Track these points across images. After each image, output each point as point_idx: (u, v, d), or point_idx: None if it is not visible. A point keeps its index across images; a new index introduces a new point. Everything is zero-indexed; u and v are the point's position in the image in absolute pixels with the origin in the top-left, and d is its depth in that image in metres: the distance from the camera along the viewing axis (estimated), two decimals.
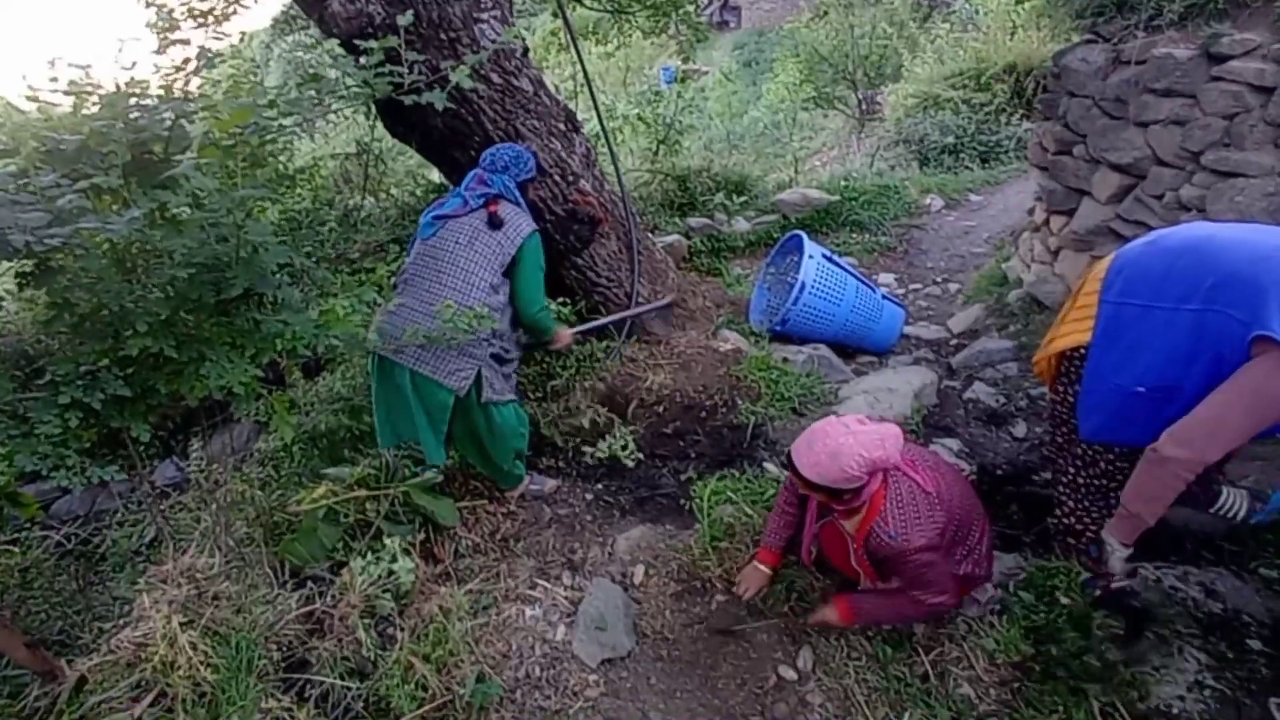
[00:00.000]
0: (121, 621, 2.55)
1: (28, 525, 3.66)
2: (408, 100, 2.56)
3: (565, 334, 3.84)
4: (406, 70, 2.57)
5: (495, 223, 3.23)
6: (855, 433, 2.39)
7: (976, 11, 13.09)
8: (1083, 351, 2.55)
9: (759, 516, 3.21)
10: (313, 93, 2.44)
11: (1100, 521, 2.75)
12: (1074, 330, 2.57)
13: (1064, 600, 2.69)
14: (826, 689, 2.71)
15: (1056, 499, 2.93)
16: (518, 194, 3.40)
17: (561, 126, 4.34)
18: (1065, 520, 2.87)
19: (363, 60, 2.50)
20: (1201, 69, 3.69)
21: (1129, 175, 4.17)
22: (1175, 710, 2.43)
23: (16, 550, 3.41)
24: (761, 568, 2.89)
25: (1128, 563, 2.45)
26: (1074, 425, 2.68)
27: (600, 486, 3.91)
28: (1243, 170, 3.46)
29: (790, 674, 2.77)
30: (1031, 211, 5.48)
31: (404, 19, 2.65)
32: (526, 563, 3.31)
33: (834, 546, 2.75)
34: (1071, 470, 2.78)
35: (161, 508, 3.53)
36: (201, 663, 2.33)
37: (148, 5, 2.67)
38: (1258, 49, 3.49)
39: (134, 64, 2.26)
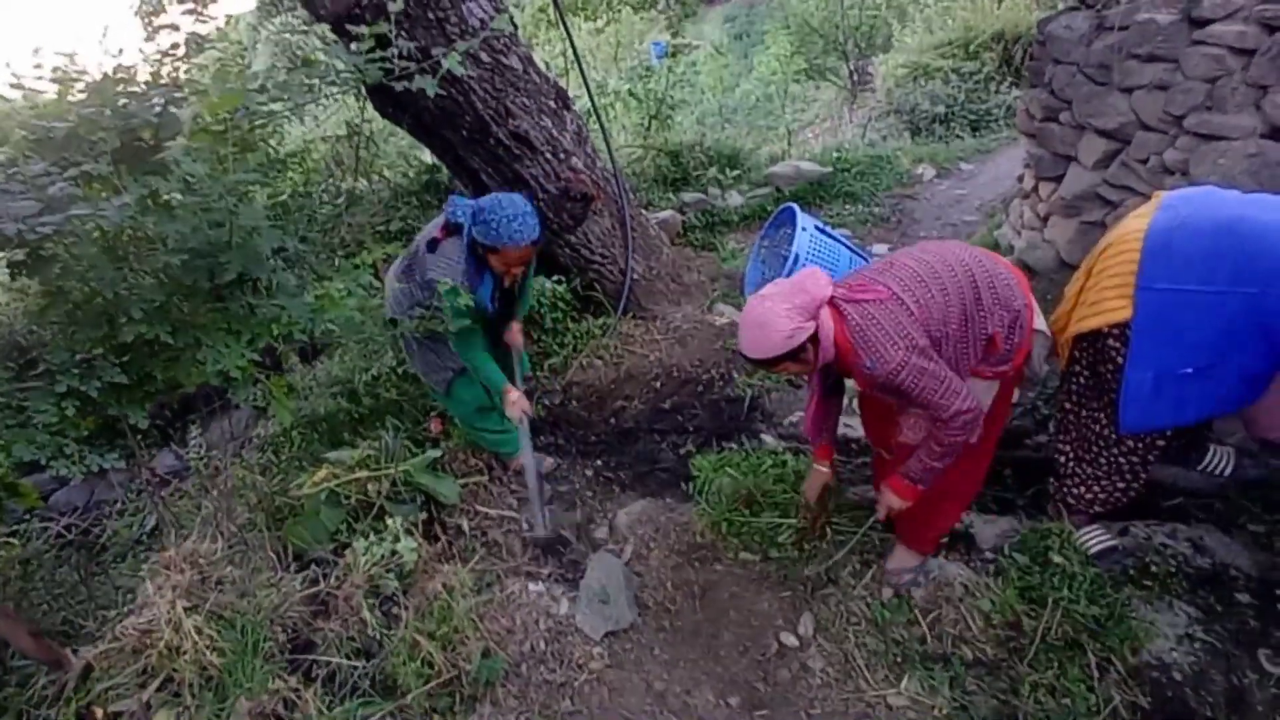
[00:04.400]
0: (126, 609, 2.58)
1: (27, 516, 3.68)
2: (398, 85, 2.55)
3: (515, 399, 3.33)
4: (396, 53, 2.56)
5: (431, 246, 3.12)
6: (772, 295, 2.34)
7: None
8: (1107, 331, 2.54)
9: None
10: (303, 78, 2.44)
11: (1114, 495, 2.78)
12: (1100, 311, 2.54)
13: (1057, 560, 2.73)
14: (827, 654, 2.75)
15: (1065, 470, 2.91)
16: (465, 240, 3.11)
17: (552, 104, 4.33)
18: (1076, 490, 2.87)
19: (354, 46, 2.49)
20: (1183, 33, 3.68)
21: (1114, 140, 4.17)
22: (1167, 662, 2.48)
23: (17, 542, 3.43)
24: (820, 467, 2.89)
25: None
26: (1099, 405, 2.70)
27: (600, 463, 3.94)
28: (1224, 133, 3.46)
29: (791, 640, 2.81)
30: (1021, 179, 5.48)
31: (394, 5, 2.65)
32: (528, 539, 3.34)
33: (872, 417, 2.79)
34: (1096, 449, 2.76)
35: (162, 495, 3.55)
36: (207, 647, 2.36)
37: None
38: (1239, 11, 3.48)
39: (120, 51, 2.25)
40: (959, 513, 2.91)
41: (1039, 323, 2.55)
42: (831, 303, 2.36)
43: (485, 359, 3.26)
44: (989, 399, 2.56)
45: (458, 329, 3.04)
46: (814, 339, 2.32)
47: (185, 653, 2.33)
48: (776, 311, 2.28)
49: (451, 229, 3.12)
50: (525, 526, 3.37)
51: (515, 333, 3.57)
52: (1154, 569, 2.72)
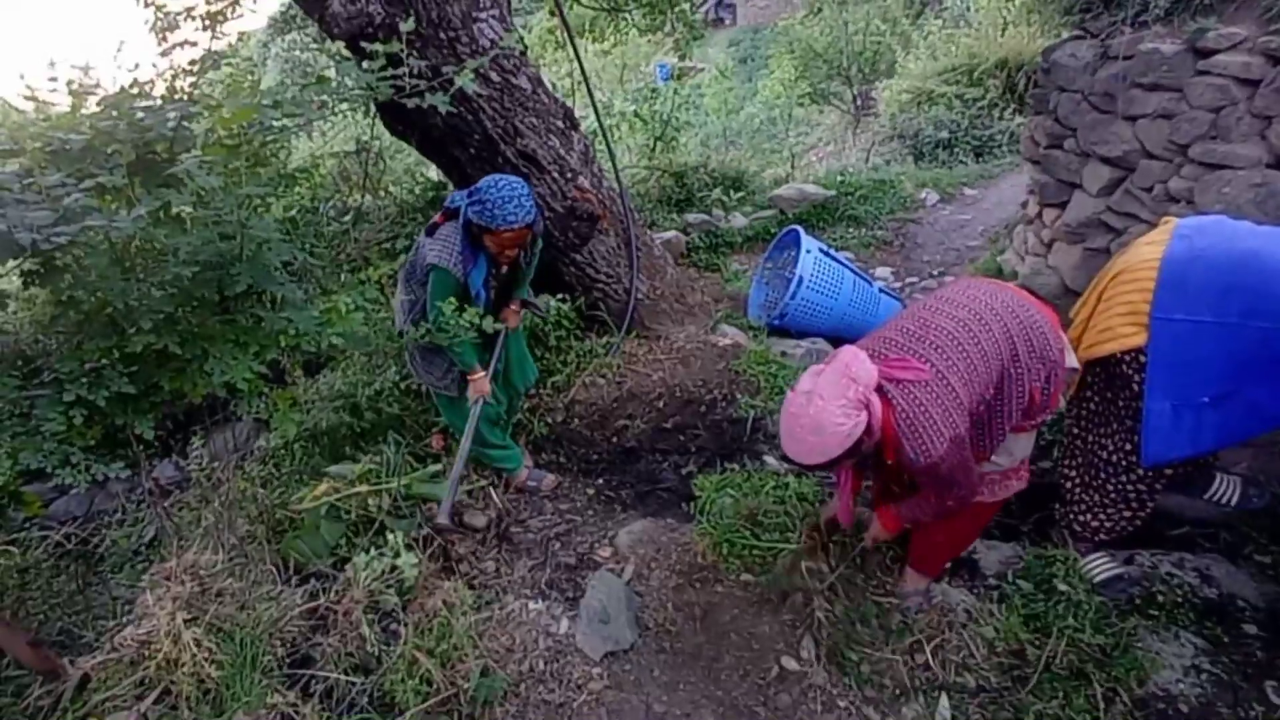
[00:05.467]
0: (124, 619, 2.56)
1: (26, 525, 3.66)
2: (410, 103, 2.58)
3: (478, 380, 3.38)
4: (408, 72, 2.59)
5: (430, 230, 3.22)
6: (820, 392, 2.17)
7: (968, 8, 13.13)
8: (1120, 356, 2.54)
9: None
10: (315, 94, 2.46)
11: (1120, 522, 2.77)
12: (1113, 337, 2.54)
13: (1062, 587, 2.72)
14: (829, 679, 2.73)
15: (1071, 497, 2.91)
16: (463, 223, 3.15)
17: (560, 124, 4.35)
18: (1082, 517, 2.87)
19: (366, 64, 2.52)
20: (1188, 63, 3.72)
21: (1119, 168, 4.21)
22: (1173, 694, 2.46)
23: (15, 551, 3.41)
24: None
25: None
26: (1107, 432, 2.70)
27: (601, 481, 3.93)
28: (1230, 162, 3.49)
29: (793, 664, 2.78)
30: (1025, 205, 5.52)
31: (406, 25, 2.69)
32: (529, 557, 3.32)
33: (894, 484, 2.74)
34: (1103, 475, 2.76)
35: (164, 505, 3.54)
36: (206, 659, 2.34)
37: (146, 5, 2.67)
38: (1243, 42, 3.52)
39: (136, 65, 2.27)
40: (971, 541, 2.90)
41: (1070, 360, 2.49)
42: None
43: (465, 341, 3.23)
44: (1028, 449, 2.59)
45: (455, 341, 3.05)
46: (867, 429, 2.19)
47: (184, 665, 2.31)
48: (830, 411, 2.13)
49: (450, 214, 3.19)
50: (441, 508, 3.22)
51: (511, 313, 3.56)
52: (1160, 598, 2.71)
